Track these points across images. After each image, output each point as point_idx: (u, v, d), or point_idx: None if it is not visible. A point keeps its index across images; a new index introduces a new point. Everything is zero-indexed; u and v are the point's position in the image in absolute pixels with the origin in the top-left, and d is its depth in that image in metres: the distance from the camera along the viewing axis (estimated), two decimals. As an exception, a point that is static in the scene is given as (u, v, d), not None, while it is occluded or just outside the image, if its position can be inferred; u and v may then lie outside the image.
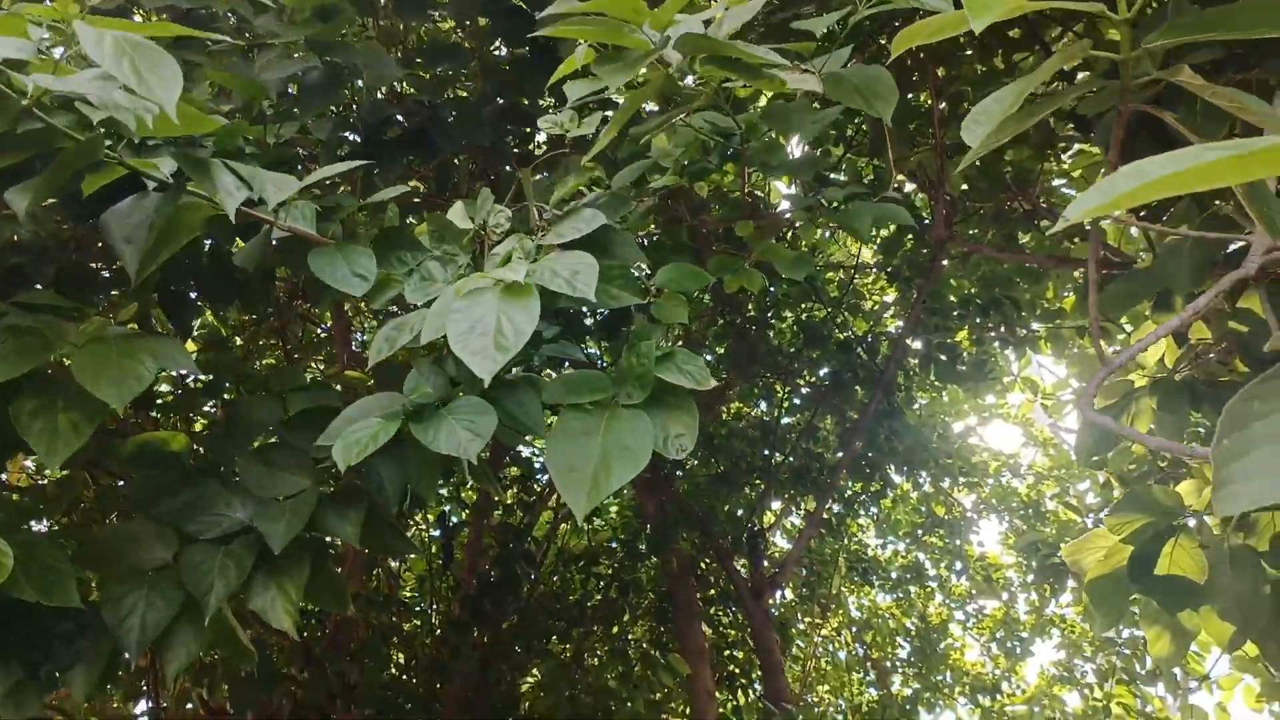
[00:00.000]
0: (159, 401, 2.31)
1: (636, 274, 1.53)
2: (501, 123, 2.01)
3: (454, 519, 5.49)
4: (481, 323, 1.22)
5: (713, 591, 5.33)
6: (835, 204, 1.73)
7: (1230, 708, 6.06)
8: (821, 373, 5.74)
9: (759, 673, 5.09)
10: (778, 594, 5.90)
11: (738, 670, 5.02)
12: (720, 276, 1.73)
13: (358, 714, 3.72)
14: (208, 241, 1.73)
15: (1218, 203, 2.26)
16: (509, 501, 4.91)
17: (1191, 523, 2.48)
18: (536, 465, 5.12)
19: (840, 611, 7.07)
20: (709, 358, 6.12)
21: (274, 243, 1.47)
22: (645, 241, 1.70)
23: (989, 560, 7.34)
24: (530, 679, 4.33)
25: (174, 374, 3.11)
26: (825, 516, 5.79)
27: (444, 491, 5.73)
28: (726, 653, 5.17)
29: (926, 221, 4.51)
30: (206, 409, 3.00)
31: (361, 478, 1.44)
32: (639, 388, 1.36)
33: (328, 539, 1.53)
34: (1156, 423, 2.87)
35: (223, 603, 1.40)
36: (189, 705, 4.14)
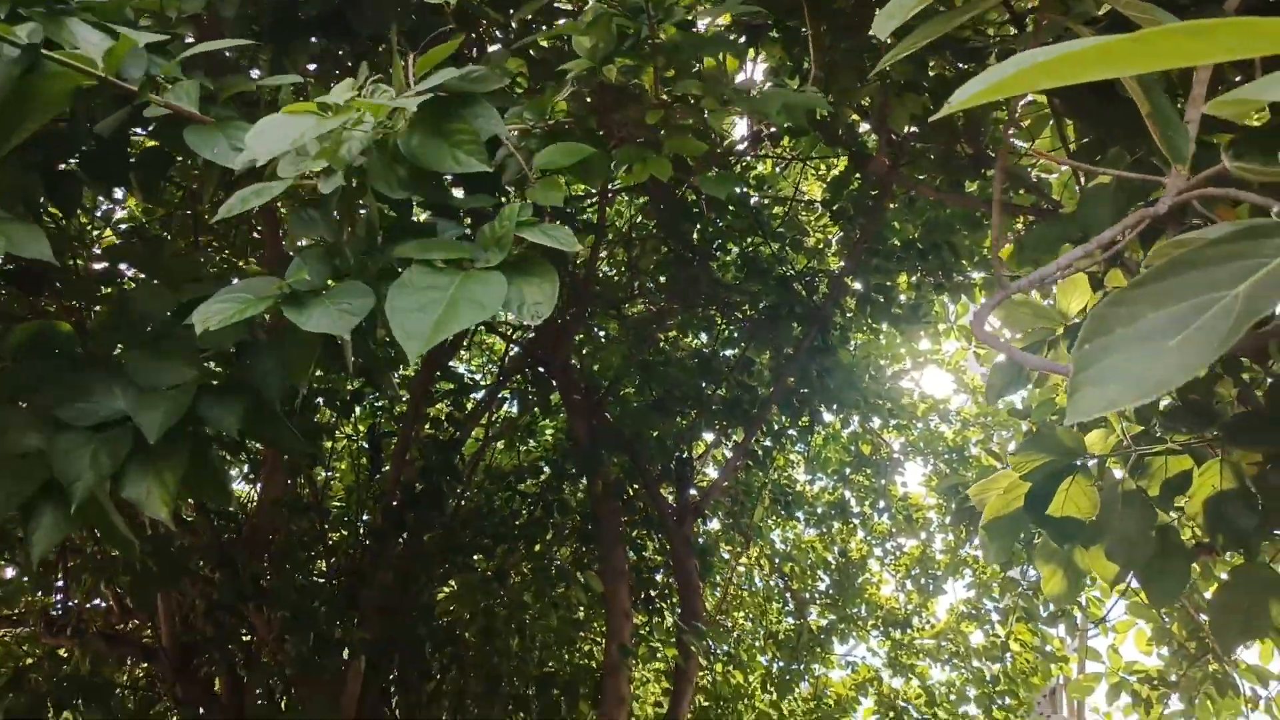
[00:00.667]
0: (58, 284, 2.22)
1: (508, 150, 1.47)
2: (424, 7, 1.92)
3: (384, 431, 5.46)
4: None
5: (637, 516, 5.40)
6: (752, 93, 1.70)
7: (1122, 650, 6.35)
8: (760, 306, 5.76)
9: (677, 596, 5.19)
10: (702, 522, 6.01)
11: (656, 594, 5.12)
12: (627, 164, 1.68)
13: (271, 614, 3.73)
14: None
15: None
16: (438, 415, 4.88)
17: (1092, 465, 2.56)
18: (468, 381, 5.10)
19: (764, 543, 7.23)
20: (650, 285, 6.11)
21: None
22: (553, 129, 1.65)
23: (911, 501, 7.55)
24: (448, 589, 4.36)
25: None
26: (753, 448, 5.88)
27: (379, 404, 5.69)
28: (647, 576, 5.26)
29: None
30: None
31: (247, 370, 1.40)
32: (497, 249, 1.32)
33: (210, 431, 1.49)
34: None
35: (98, 491, 1.36)
36: (98, 602, 4.12)
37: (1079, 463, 2.56)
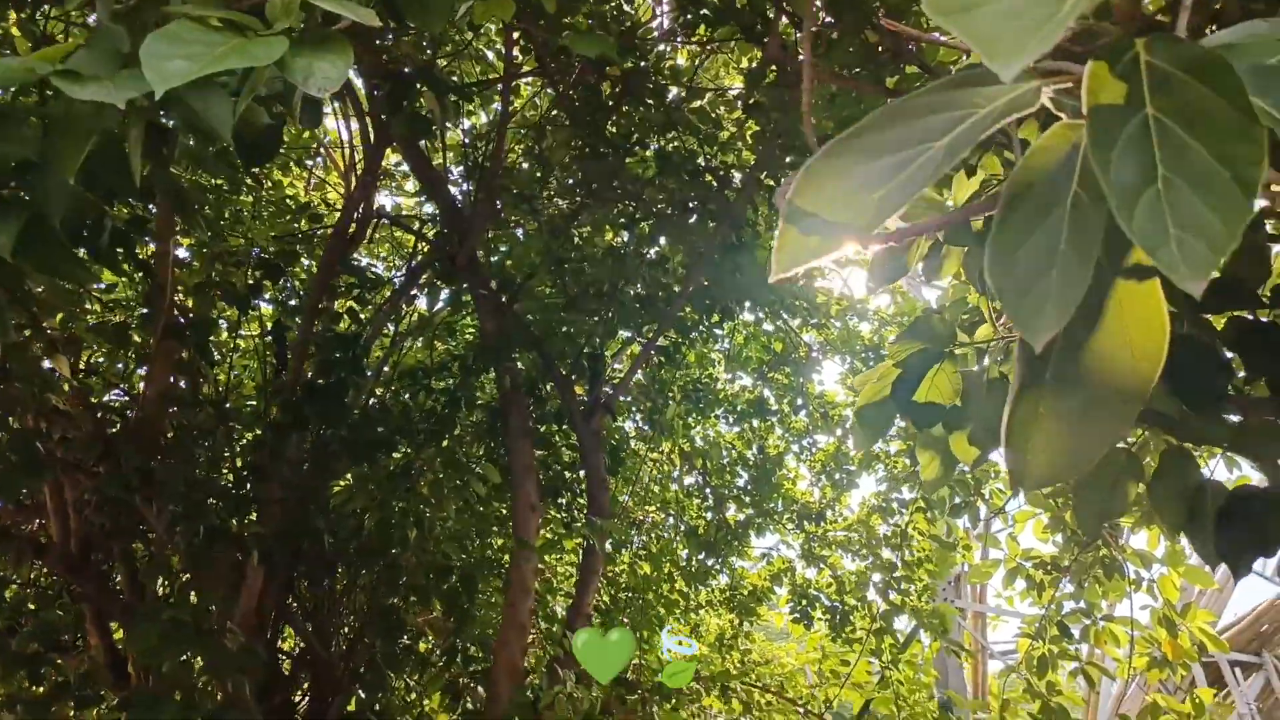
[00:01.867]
0: None
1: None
2: None
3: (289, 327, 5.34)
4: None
5: (547, 411, 5.42)
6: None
7: (1020, 538, 6.64)
8: (675, 202, 5.69)
9: (582, 490, 5.26)
10: (614, 418, 6.04)
11: (564, 488, 5.18)
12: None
13: (161, 508, 3.68)
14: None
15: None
16: (339, 309, 4.78)
17: (959, 353, 2.60)
18: (371, 276, 4.99)
19: (681, 440, 7.34)
20: (565, 180, 5.99)
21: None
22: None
23: (827, 398, 7.69)
24: (345, 482, 4.35)
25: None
26: (665, 345, 5.89)
27: (291, 302, 5.54)
28: (556, 471, 5.31)
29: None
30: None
31: (26, 188, 1.30)
32: (284, 15, 1.22)
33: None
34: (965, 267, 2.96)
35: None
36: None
37: (948, 350, 2.59)
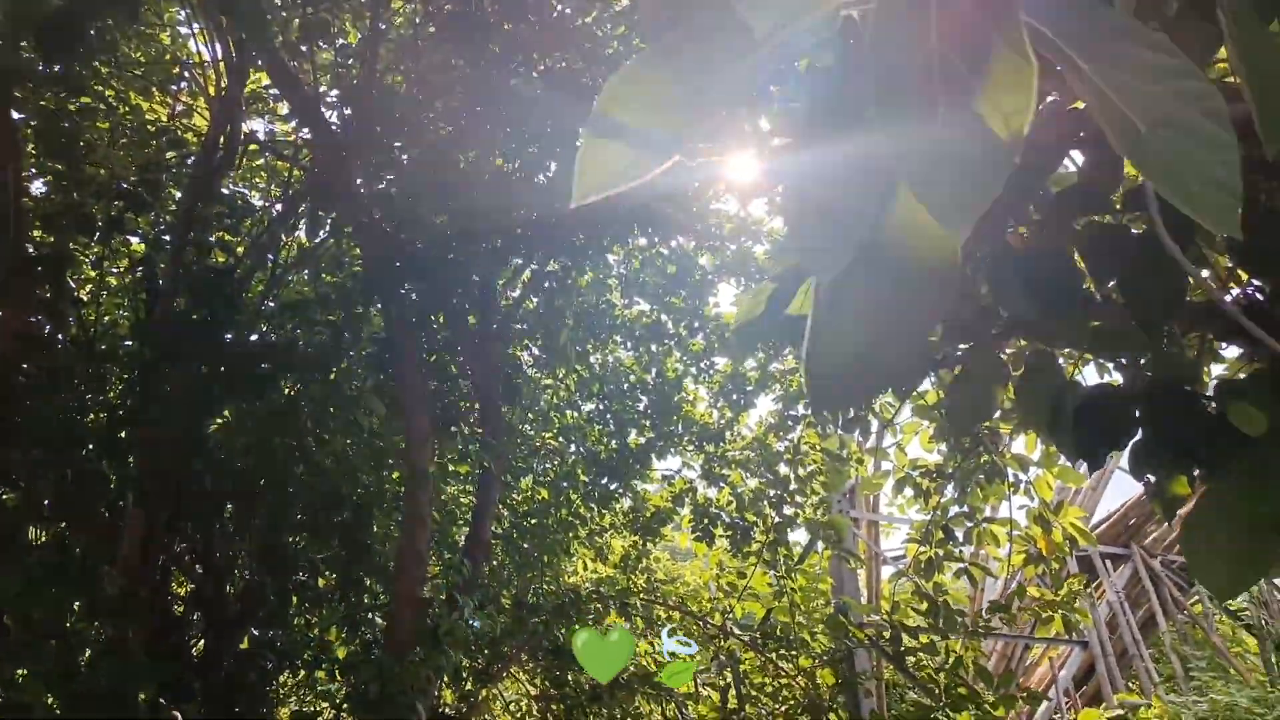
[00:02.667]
0: None
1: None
2: None
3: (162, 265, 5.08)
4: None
5: (439, 341, 5.32)
6: None
7: (908, 449, 6.91)
8: (564, 124, 5.56)
9: (477, 419, 5.22)
10: (508, 345, 5.99)
11: (459, 418, 5.12)
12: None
13: (26, 453, 3.50)
14: None
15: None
16: (210, 241, 4.55)
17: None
18: (240, 204, 4.76)
19: (581, 367, 7.33)
20: (448, 104, 5.78)
21: None
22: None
23: (724, 320, 7.76)
24: (223, 419, 4.20)
25: None
26: (555, 270, 5.83)
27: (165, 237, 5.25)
28: (450, 400, 5.24)
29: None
30: None
31: None
32: None
33: None
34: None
35: None
36: None
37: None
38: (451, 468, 5.54)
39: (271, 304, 5.13)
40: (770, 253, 2.71)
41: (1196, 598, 12.40)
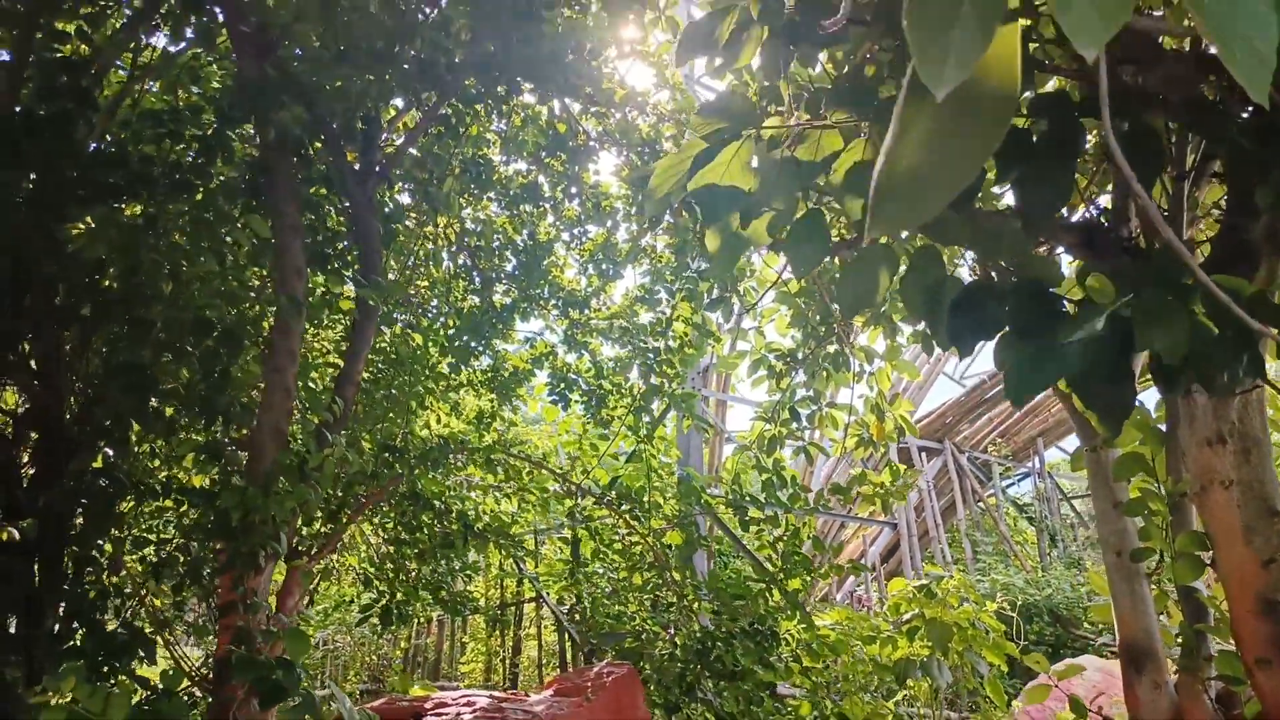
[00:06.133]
0: None
1: None
2: None
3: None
4: None
5: (315, 173, 5.05)
6: None
7: (766, 332, 7.22)
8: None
9: (354, 257, 5.05)
10: (387, 188, 5.77)
11: (332, 253, 4.93)
12: None
13: None
14: None
15: None
16: (65, 28, 4.09)
17: (764, 137, 2.69)
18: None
19: (453, 217, 7.15)
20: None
21: None
22: None
23: (601, 189, 7.72)
24: (84, 225, 3.88)
25: None
26: (445, 114, 5.61)
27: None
28: (325, 236, 5.02)
29: None
30: None
31: None
32: None
33: None
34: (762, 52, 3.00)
35: None
36: None
37: (748, 132, 2.67)
38: (330, 303, 5.36)
39: (128, 109, 4.69)
40: (700, 111, 2.73)
41: (992, 491, 13.80)
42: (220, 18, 4.70)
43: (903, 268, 2.73)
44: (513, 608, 12.71)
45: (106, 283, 3.75)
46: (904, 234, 3.64)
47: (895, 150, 0.87)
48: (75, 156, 3.99)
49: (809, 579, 5.81)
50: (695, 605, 6.13)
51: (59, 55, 4.07)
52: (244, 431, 4.33)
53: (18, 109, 3.91)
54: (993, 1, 0.73)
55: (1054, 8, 0.67)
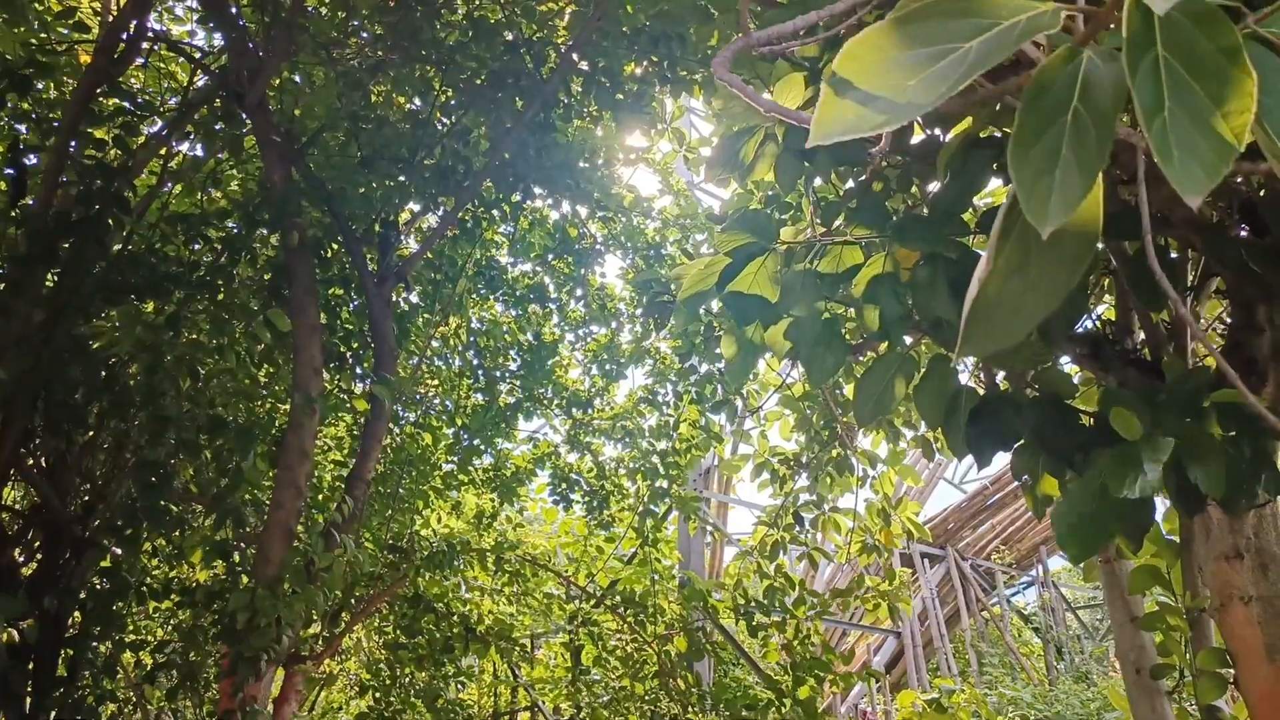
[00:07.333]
0: None
1: None
2: None
3: (33, 157, 4.67)
4: None
5: (334, 274, 5.16)
6: None
7: (770, 436, 7.24)
8: (484, 73, 5.49)
9: (371, 358, 5.11)
10: (403, 289, 5.87)
11: (349, 353, 4.99)
12: None
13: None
14: None
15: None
16: (102, 135, 4.23)
17: (782, 250, 2.79)
18: (142, 101, 4.45)
19: (462, 318, 7.25)
20: (364, 35, 5.60)
21: None
22: None
23: (607, 290, 7.86)
24: (107, 323, 3.93)
25: None
26: (461, 219, 5.76)
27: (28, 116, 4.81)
28: (341, 336, 5.10)
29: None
30: None
31: None
32: None
33: None
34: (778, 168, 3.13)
35: None
36: None
37: (772, 246, 2.77)
38: (341, 402, 5.39)
39: (157, 211, 4.82)
40: (724, 228, 2.83)
41: (995, 600, 13.61)
42: (252, 127, 4.87)
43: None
44: (507, 716, 12.33)
45: (124, 381, 3.79)
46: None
47: (988, 278, 0.92)
48: (103, 257, 4.08)
49: (819, 685, 5.69)
50: (699, 718, 5.98)
51: (97, 160, 4.20)
52: (252, 527, 4.30)
53: (52, 211, 4.01)
54: (1096, 148, 0.79)
55: (1157, 157, 0.73)
